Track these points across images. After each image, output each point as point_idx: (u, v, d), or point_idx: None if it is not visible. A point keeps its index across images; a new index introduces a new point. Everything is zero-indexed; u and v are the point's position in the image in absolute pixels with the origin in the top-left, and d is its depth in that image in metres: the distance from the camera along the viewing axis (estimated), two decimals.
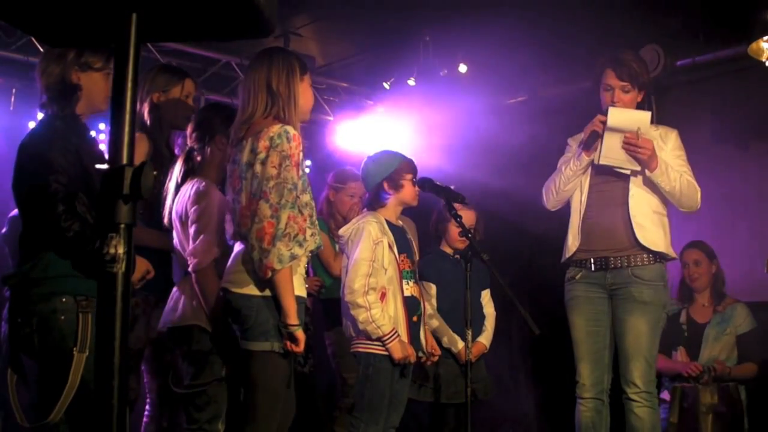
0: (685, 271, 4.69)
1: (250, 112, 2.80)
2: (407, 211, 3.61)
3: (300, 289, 2.79)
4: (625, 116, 3.51)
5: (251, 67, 2.91)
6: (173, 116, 3.45)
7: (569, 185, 3.64)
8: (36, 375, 2.66)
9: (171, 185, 3.13)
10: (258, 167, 2.69)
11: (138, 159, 3.23)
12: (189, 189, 3.06)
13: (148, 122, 3.40)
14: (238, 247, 2.81)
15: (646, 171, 3.51)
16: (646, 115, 3.51)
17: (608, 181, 3.61)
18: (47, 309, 2.60)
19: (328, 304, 4.38)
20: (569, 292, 3.68)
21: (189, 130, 3.20)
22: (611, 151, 3.52)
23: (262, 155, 2.69)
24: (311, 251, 2.82)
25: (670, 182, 3.50)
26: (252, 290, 2.73)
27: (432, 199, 3.75)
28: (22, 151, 2.72)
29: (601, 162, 3.55)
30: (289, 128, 2.72)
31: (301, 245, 2.69)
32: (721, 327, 4.60)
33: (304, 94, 2.88)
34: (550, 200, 3.72)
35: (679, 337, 4.62)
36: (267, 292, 2.73)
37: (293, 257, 2.67)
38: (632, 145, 3.46)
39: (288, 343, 2.70)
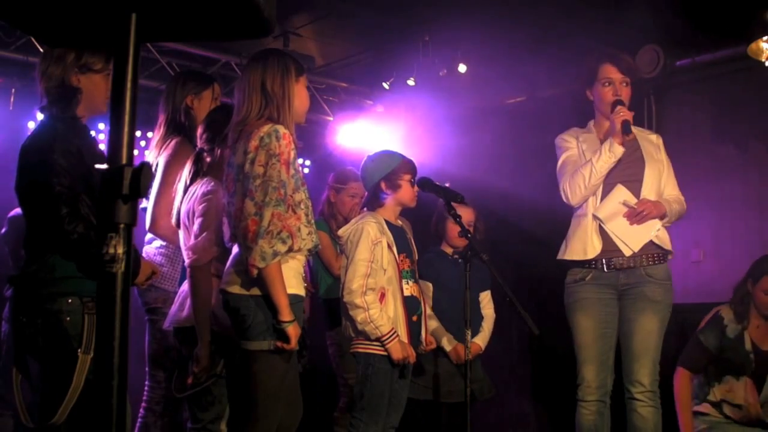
0: (761, 296, 4.20)
1: (244, 113, 2.79)
2: (404, 211, 3.60)
3: (297, 287, 2.78)
4: (610, 204, 3.54)
5: (247, 68, 2.91)
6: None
7: (599, 179, 3.55)
8: (40, 375, 2.66)
9: (180, 186, 3.13)
10: (247, 167, 2.69)
11: (185, 163, 3.24)
12: (197, 189, 3.06)
13: (186, 125, 3.46)
14: (235, 249, 2.81)
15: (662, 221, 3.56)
16: (621, 191, 3.53)
17: (620, 183, 3.59)
18: (53, 309, 2.59)
19: (330, 303, 4.35)
20: (576, 293, 3.62)
21: (199, 131, 3.20)
22: (633, 236, 3.53)
23: (251, 155, 2.69)
24: (309, 250, 2.82)
25: (672, 216, 3.58)
26: (247, 290, 2.72)
27: (432, 199, 3.75)
28: (24, 154, 2.71)
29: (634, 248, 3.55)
30: (280, 127, 2.71)
31: (284, 242, 2.67)
32: None
33: (299, 95, 2.86)
34: (577, 195, 3.57)
35: (747, 368, 4.23)
36: (261, 291, 2.72)
37: (276, 254, 2.65)
38: (639, 216, 3.49)
39: (279, 342, 2.68)
